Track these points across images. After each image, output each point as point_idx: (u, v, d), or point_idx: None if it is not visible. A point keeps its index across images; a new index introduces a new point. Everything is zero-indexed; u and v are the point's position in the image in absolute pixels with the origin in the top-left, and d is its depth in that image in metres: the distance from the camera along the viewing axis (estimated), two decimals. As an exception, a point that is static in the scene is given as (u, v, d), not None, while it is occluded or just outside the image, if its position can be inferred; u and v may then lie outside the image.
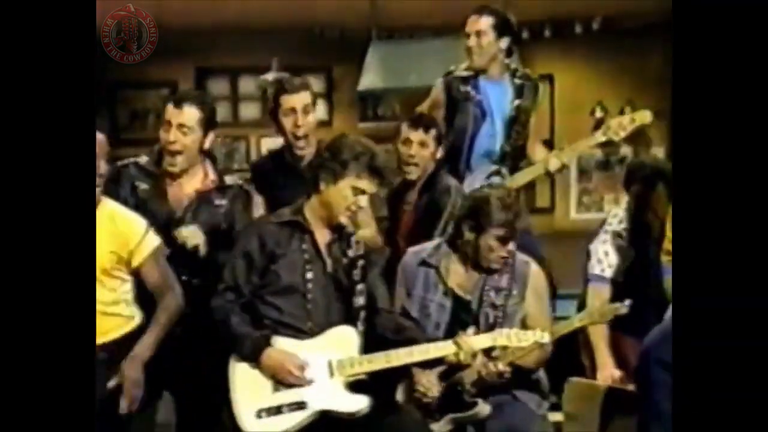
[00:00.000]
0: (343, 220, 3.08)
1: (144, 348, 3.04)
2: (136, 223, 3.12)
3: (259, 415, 2.96)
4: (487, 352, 3.15)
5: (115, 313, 3.08)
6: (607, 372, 3.55)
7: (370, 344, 3.09)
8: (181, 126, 3.31)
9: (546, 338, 3.12)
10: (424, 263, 3.39)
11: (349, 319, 3.08)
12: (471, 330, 3.16)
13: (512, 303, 3.31)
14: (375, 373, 3.05)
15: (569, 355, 3.68)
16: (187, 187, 3.42)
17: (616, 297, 3.47)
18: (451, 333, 3.21)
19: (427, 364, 3.17)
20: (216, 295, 3.07)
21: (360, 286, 3.11)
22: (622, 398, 3.31)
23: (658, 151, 6.74)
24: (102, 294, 2.99)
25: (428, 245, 3.47)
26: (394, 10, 6.60)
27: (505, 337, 3.10)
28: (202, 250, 3.37)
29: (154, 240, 3.14)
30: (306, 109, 3.70)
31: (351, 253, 3.13)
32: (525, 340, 3.10)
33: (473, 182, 3.95)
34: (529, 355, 3.20)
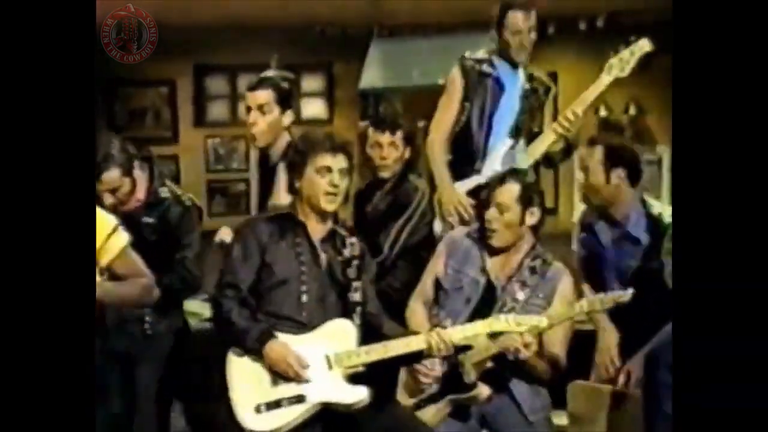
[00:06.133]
0: (326, 205, 3.09)
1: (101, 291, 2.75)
2: (104, 220, 2.85)
3: (258, 409, 2.94)
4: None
5: None
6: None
7: (369, 341, 3.08)
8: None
9: (544, 323, 3.08)
10: (470, 236, 3.44)
11: (345, 313, 3.10)
12: (448, 322, 3.21)
13: (534, 303, 3.29)
14: (374, 365, 3.03)
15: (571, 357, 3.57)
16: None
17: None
18: (479, 312, 3.23)
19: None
20: (215, 293, 3.08)
21: (356, 283, 3.13)
22: (628, 401, 3.25)
23: (664, 150, 6.67)
24: None
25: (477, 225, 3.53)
26: (396, 7, 6.58)
27: (503, 321, 3.08)
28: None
29: (122, 238, 2.87)
30: (262, 108, 3.56)
31: (347, 252, 3.15)
32: (524, 324, 3.06)
33: (492, 164, 3.89)
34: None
